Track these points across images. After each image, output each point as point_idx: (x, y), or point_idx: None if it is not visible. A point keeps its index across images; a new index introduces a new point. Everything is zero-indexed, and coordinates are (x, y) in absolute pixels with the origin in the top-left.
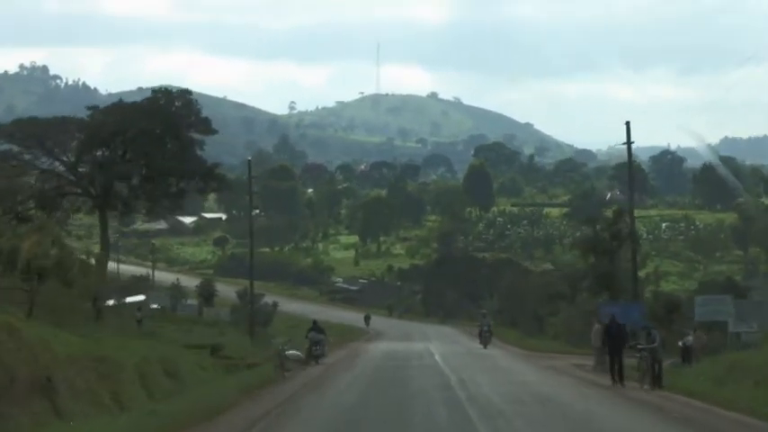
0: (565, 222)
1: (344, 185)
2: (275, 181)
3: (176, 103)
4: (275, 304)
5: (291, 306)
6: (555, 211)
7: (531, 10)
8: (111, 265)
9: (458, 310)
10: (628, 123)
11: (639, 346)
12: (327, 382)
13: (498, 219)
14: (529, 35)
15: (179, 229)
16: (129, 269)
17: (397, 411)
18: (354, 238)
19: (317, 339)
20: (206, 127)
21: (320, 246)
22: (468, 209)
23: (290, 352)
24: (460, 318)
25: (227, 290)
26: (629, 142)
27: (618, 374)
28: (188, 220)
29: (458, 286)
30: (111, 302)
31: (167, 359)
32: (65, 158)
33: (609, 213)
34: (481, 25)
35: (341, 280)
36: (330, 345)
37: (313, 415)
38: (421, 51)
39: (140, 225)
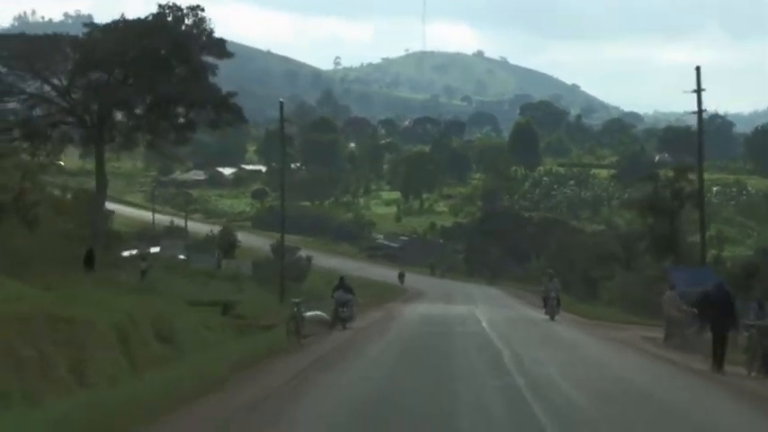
0: (612, 184)
1: (387, 140)
2: (317, 134)
3: (186, 21)
4: (309, 259)
5: (330, 262)
6: (602, 173)
7: None
8: (145, 214)
9: (501, 269)
10: (698, 68)
11: (748, 323)
12: (349, 356)
13: (544, 178)
14: None
15: (218, 181)
16: (165, 219)
17: (435, 408)
18: (396, 194)
19: (345, 300)
20: (220, 49)
21: (361, 201)
22: (514, 167)
23: (312, 313)
24: (504, 278)
25: (262, 242)
26: (699, 89)
27: (720, 358)
28: (227, 171)
29: (502, 245)
30: (127, 253)
31: (162, 319)
32: (56, 82)
33: (665, 173)
34: None
35: (381, 236)
36: (360, 305)
37: (318, 411)
38: (468, 9)
39: (179, 175)
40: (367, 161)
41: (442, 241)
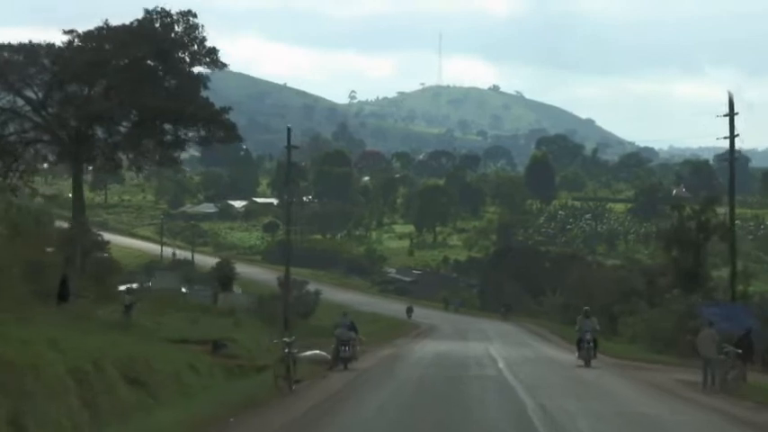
0: (629, 218)
1: (401, 174)
2: (330, 166)
3: (176, 28)
4: (318, 293)
5: (340, 296)
6: (619, 207)
7: (597, 4)
8: (154, 247)
9: (516, 304)
10: (730, 96)
11: None
12: (343, 409)
13: (560, 212)
14: (592, 30)
15: (229, 214)
16: (173, 252)
17: None
18: (410, 228)
19: (347, 338)
20: (213, 58)
21: (374, 234)
22: (529, 201)
23: (311, 353)
24: (519, 313)
25: (270, 276)
26: (731, 113)
27: None
28: (238, 204)
29: (518, 280)
30: (124, 287)
31: (135, 361)
32: (31, 95)
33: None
34: (545, 18)
35: (394, 270)
36: (365, 343)
37: None
38: (484, 44)
39: (189, 208)
40: (380, 194)
41: (455, 275)
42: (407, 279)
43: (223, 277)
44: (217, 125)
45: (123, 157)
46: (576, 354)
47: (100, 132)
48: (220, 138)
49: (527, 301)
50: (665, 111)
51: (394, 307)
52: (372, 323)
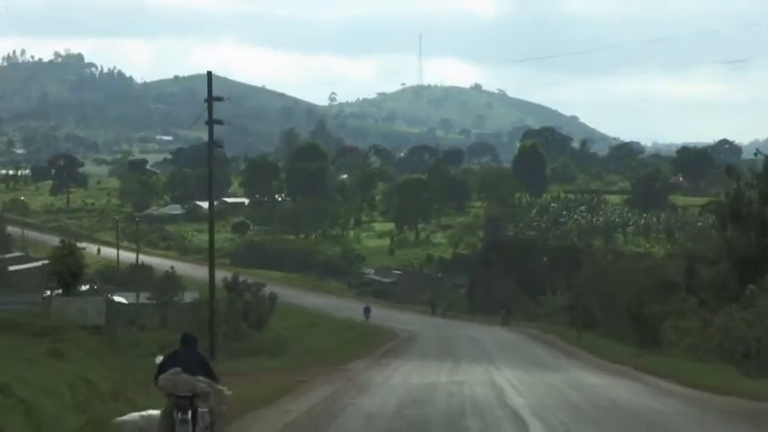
0: (626, 209)
1: (380, 168)
2: (304, 163)
3: None
4: (273, 298)
5: (313, 300)
6: (614, 198)
7: (578, 3)
8: (108, 252)
9: (513, 307)
10: None
11: None
12: None
13: (552, 204)
14: (572, 28)
15: (197, 215)
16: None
17: None
18: (390, 226)
19: (188, 388)
20: None
21: (351, 233)
22: (518, 194)
23: (135, 416)
24: (516, 316)
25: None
26: None
27: None
28: (206, 204)
29: (511, 278)
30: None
31: None
32: None
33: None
34: (526, 17)
35: (372, 271)
36: (227, 401)
37: None
38: (464, 44)
39: (155, 210)
40: (358, 191)
41: (440, 275)
42: (387, 280)
43: (64, 273)
44: None
45: None
46: None
47: None
48: None
49: (524, 302)
50: (649, 108)
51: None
52: (331, 332)
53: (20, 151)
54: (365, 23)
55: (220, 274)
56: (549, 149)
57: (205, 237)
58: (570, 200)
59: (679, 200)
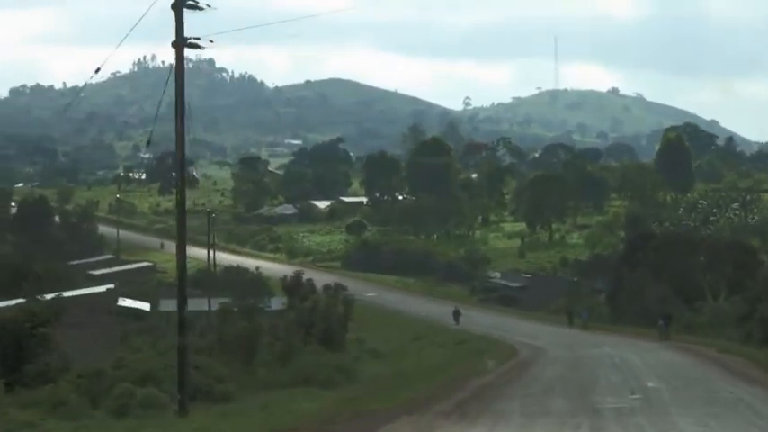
0: None
1: (510, 162)
2: (427, 158)
3: None
4: (350, 300)
5: (427, 307)
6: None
7: (720, 5)
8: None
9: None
10: None
11: None
12: None
13: (701, 202)
14: (710, 31)
15: (310, 215)
16: (235, 260)
17: None
18: (521, 226)
19: None
20: None
21: (477, 234)
22: (662, 192)
23: None
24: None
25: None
26: None
27: None
28: (322, 204)
29: (662, 281)
30: None
31: None
32: None
33: None
34: (665, 21)
35: (498, 275)
36: None
37: None
38: (601, 47)
39: (267, 210)
40: (486, 188)
41: (576, 279)
42: (515, 285)
43: None
44: None
45: None
46: None
47: None
48: None
49: (678, 308)
50: None
51: (495, 320)
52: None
53: (146, 156)
54: (500, 28)
55: (326, 278)
56: (692, 146)
57: (317, 238)
58: (722, 196)
59: None
